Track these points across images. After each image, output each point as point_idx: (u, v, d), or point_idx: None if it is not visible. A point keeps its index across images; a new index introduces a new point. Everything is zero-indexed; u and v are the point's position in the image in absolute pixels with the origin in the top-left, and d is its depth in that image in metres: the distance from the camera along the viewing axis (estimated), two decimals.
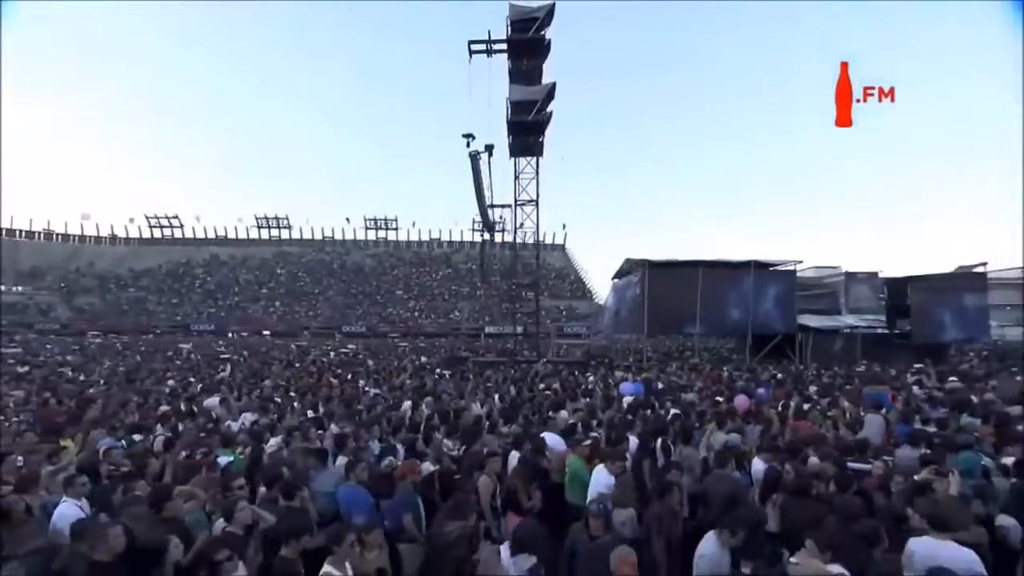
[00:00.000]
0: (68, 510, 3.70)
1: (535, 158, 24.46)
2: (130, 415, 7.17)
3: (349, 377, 13.52)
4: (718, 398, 8.83)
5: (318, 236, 72.04)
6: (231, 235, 70.86)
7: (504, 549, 3.34)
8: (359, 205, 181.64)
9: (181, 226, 70.77)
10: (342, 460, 5.00)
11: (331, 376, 13.58)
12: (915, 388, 10.62)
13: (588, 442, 5.68)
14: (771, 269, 20.28)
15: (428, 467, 4.88)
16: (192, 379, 13.33)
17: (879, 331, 21.17)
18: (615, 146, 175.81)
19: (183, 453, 4.87)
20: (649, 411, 8.05)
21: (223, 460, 4.70)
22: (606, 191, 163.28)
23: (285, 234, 71.55)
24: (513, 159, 24.91)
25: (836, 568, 2.83)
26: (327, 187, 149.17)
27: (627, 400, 9.11)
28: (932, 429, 6.26)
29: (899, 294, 21.49)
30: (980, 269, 20.95)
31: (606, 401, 9.18)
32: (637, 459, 5.57)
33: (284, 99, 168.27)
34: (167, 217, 70.45)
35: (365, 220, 72.32)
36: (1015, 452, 4.94)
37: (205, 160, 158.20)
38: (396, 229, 72.81)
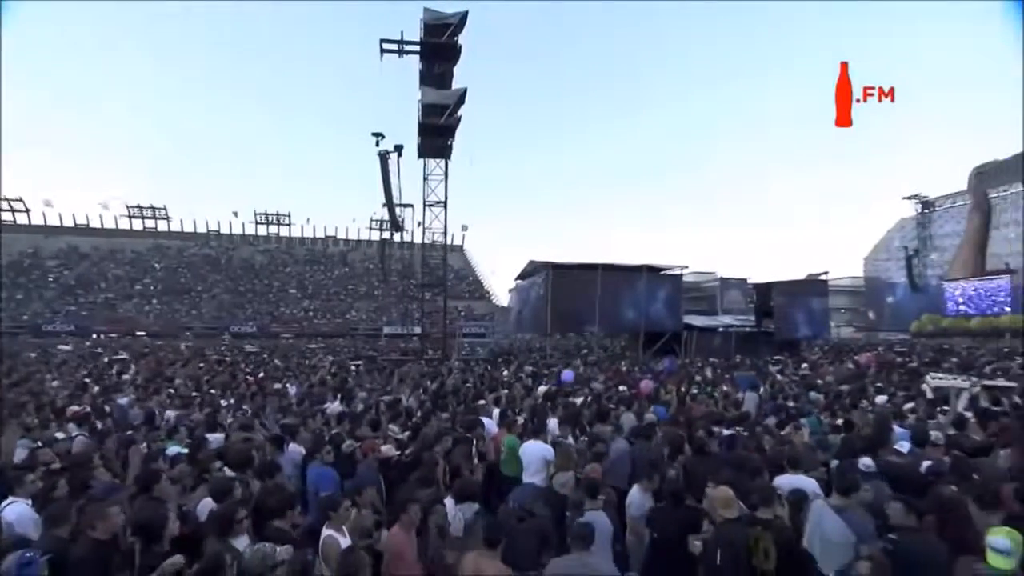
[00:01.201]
0: (20, 508, 3.75)
1: (444, 160, 24.96)
2: (28, 416, 6.67)
3: (262, 375, 13.22)
4: (622, 386, 10.09)
5: (201, 229, 66.06)
6: (94, 224, 62.46)
7: (449, 501, 4.04)
8: (248, 199, 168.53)
9: (27, 211, 60.68)
10: (294, 447, 5.42)
11: (246, 374, 13.28)
12: (778, 375, 12.81)
13: (520, 421, 6.55)
14: (661, 273, 22.53)
15: (387, 449, 5.33)
16: (87, 379, 12.34)
17: (749, 329, 24.31)
18: (513, 149, 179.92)
19: (143, 446, 4.91)
20: (567, 398, 9.12)
21: (172, 451, 4.78)
22: (502, 195, 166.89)
23: (163, 225, 64.39)
24: (422, 160, 25.22)
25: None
26: (213, 178, 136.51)
27: (541, 390, 10.13)
28: (791, 403, 8.10)
29: (765, 297, 24.79)
30: (823, 277, 25.00)
31: (525, 391, 10.04)
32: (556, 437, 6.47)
33: (171, 79, 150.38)
34: (7, 200, 59.03)
35: (255, 214, 67.47)
36: (843, 416, 6.75)
37: (60, 139, 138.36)
38: (289, 225, 68.78)
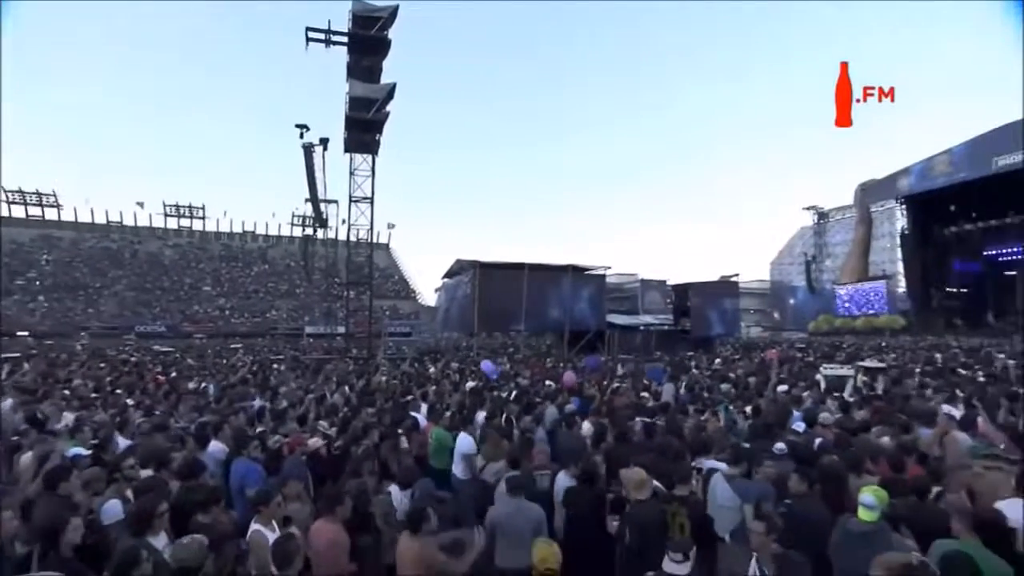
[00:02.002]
0: None
1: (371, 156, 24.41)
2: None
3: (174, 374, 12.35)
4: (547, 381, 10.40)
5: (100, 220, 59.85)
6: None
7: (394, 488, 4.07)
8: (157, 190, 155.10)
9: None
10: (216, 445, 5.25)
11: (155, 373, 12.33)
12: (693, 368, 13.65)
13: (449, 414, 6.67)
14: (585, 273, 23.27)
15: (315, 443, 5.21)
16: None
17: (668, 328, 25.54)
18: (443, 149, 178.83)
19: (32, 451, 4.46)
20: (494, 392, 9.32)
21: (72, 452, 4.40)
22: (431, 194, 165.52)
23: (52, 214, 57.57)
24: (349, 155, 24.52)
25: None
26: (114, 166, 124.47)
27: (469, 386, 10.26)
28: (705, 394, 8.65)
29: (682, 298, 26.19)
30: (735, 279, 26.90)
31: (452, 387, 10.08)
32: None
33: (67, 55, 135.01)
34: None
35: (165, 206, 62.14)
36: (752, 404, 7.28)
37: None
38: (203, 218, 64.00)
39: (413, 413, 7.30)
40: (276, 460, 4.87)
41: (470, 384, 10.50)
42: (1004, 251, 36.98)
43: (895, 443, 5.03)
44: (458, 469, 5.78)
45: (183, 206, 63.03)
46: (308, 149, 23.60)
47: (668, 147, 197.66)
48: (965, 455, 5.24)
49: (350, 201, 24.42)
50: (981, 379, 10.60)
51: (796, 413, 6.36)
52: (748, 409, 6.75)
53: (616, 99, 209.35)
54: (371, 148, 24.36)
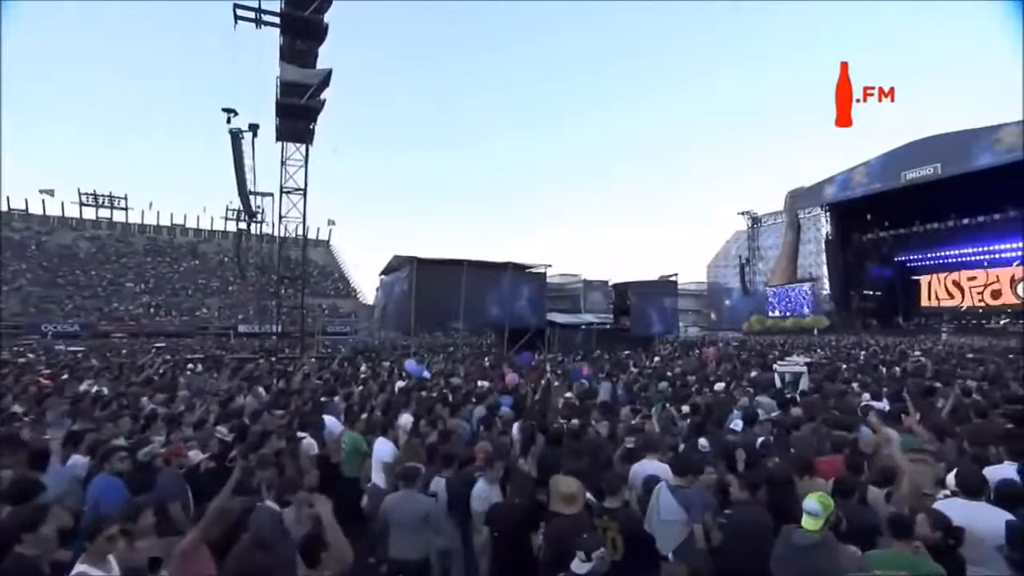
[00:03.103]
0: None
1: (305, 145, 23.10)
2: None
3: (65, 376, 10.94)
4: (480, 381, 9.91)
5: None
6: None
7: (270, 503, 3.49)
8: (70, 177, 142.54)
9: None
10: (77, 458, 4.45)
11: (37, 374, 10.87)
12: (632, 367, 13.53)
13: (365, 417, 6.08)
14: (526, 271, 22.95)
15: (195, 455, 4.46)
16: None
17: (608, 326, 25.60)
18: (384, 144, 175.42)
19: None
20: (423, 392, 8.69)
21: None
22: (372, 190, 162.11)
23: None
24: (281, 143, 23.09)
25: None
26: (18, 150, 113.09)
27: (399, 385, 9.65)
28: (643, 393, 8.37)
29: (622, 297, 26.29)
30: (673, 278, 27.39)
31: (380, 387, 9.41)
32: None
33: None
34: None
35: (80, 194, 56.20)
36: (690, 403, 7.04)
37: None
38: (126, 209, 58.54)
39: (328, 416, 6.68)
40: (146, 475, 4.07)
41: (399, 384, 9.85)
42: (912, 257, 40.01)
43: (831, 441, 4.86)
44: (378, 478, 5.18)
45: (101, 195, 57.40)
46: (236, 135, 21.95)
47: (615, 151, 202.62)
48: (896, 450, 5.23)
49: (281, 192, 22.97)
50: (899, 375, 11.07)
51: (735, 412, 6.18)
52: (685, 408, 6.49)
53: (565, 102, 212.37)
54: (305, 137, 23.02)
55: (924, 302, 38.61)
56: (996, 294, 35.51)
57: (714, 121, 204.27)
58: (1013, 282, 34.31)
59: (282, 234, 23.90)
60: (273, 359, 17.29)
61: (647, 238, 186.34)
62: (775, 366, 9.84)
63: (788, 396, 7.28)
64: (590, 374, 10.92)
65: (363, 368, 13.61)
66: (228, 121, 21.31)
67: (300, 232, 24.79)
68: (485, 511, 3.82)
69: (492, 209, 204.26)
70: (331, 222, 64.17)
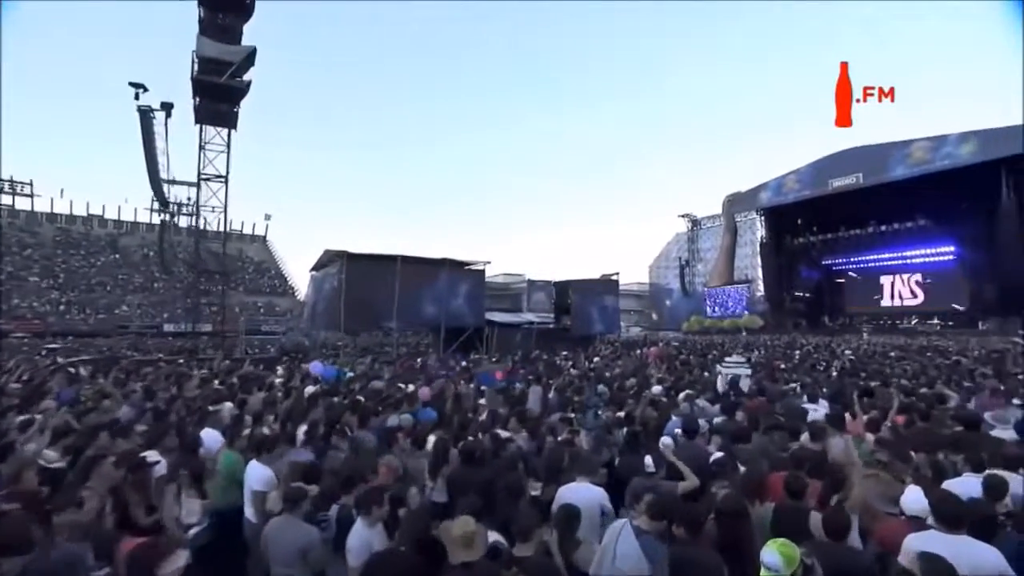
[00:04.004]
0: None
1: (228, 130, 21.26)
2: None
3: None
4: (401, 384, 8.93)
5: None
6: None
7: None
8: None
9: None
10: None
11: None
12: (571, 369, 12.90)
13: (248, 431, 5.00)
14: (464, 268, 22.06)
15: None
16: None
17: (549, 326, 25.05)
18: (329, 140, 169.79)
19: None
20: (335, 398, 7.71)
21: None
22: (315, 186, 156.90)
23: None
24: (200, 126, 21.14)
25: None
26: None
27: (309, 390, 8.52)
28: (576, 397, 7.64)
29: (563, 295, 25.85)
30: (615, 277, 27.22)
31: (286, 393, 8.28)
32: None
33: None
34: None
35: None
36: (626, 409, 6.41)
37: None
38: (31, 196, 52.68)
39: (210, 430, 5.53)
40: None
41: (311, 388, 8.73)
42: (837, 261, 42.13)
43: (789, 454, 4.30)
44: (250, 510, 4.19)
45: (2, 180, 51.56)
46: (146, 114, 19.83)
47: (563, 154, 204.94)
48: (850, 460, 4.76)
49: (199, 179, 21.04)
50: (835, 373, 11.02)
51: (674, 419, 5.58)
52: (622, 414, 5.83)
53: (513, 104, 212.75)
54: (227, 120, 21.19)
55: (862, 299, 40.61)
56: (905, 296, 38.33)
57: (660, 125, 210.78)
58: (918, 285, 37.38)
59: (203, 226, 21.88)
60: (181, 361, 15.53)
61: (593, 240, 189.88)
62: (719, 367, 9.43)
63: (732, 400, 6.78)
64: (510, 377, 10.09)
65: (279, 370, 12.36)
66: (136, 97, 19.20)
67: (223, 224, 22.88)
68: (361, 565, 2.89)
69: (439, 210, 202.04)
70: (268, 216, 61.05)
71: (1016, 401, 7.24)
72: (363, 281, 19.12)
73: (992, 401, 7.13)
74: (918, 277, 37.76)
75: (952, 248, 34.69)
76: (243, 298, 51.26)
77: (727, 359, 11.11)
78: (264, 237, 63.47)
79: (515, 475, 3.69)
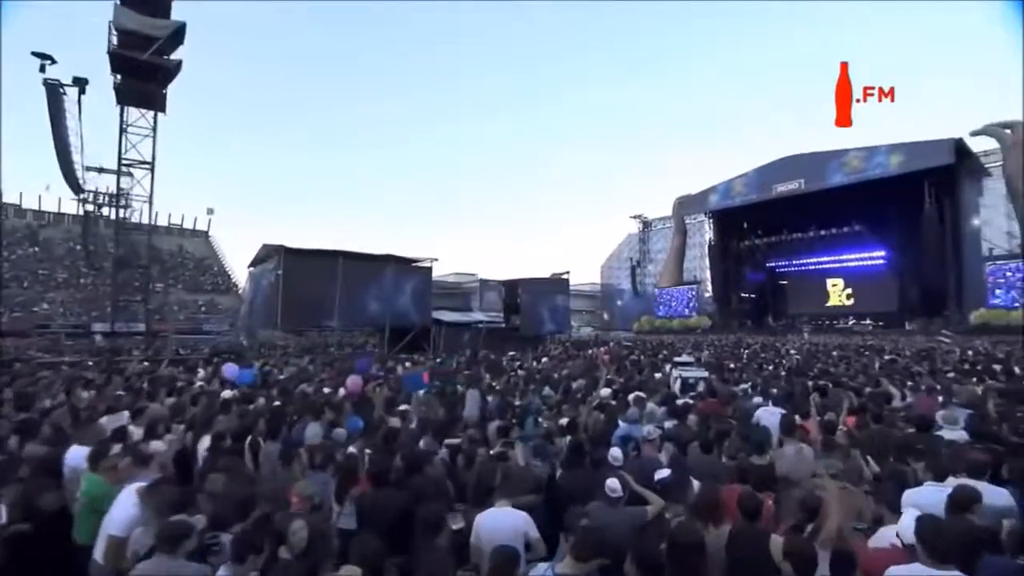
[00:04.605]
0: None
1: (153, 112, 19.61)
2: None
3: None
4: (327, 389, 8.15)
5: None
6: None
7: None
8: None
9: None
10: None
11: None
12: (519, 370, 12.36)
13: (118, 451, 4.12)
14: (411, 265, 21.24)
15: None
16: None
17: (498, 325, 24.48)
18: (280, 136, 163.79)
19: None
20: (250, 404, 6.94)
21: None
22: (264, 179, 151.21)
23: None
24: (121, 108, 19.38)
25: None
26: None
27: (227, 395, 7.63)
28: (517, 401, 7.06)
29: (512, 294, 25.35)
30: (565, 276, 26.94)
31: (192, 399, 7.35)
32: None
33: None
34: None
35: None
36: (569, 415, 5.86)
37: None
38: None
39: (77, 449, 4.59)
40: None
41: (228, 393, 7.81)
42: (781, 263, 43.67)
43: (737, 466, 3.88)
44: (98, 550, 3.38)
45: None
46: (54, 89, 17.89)
47: (520, 155, 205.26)
48: (807, 473, 4.41)
49: (120, 165, 19.26)
50: (783, 373, 10.96)
51: (622, 425, 5.10)
52: (564, 422, 5.29)
53: (471, 104, 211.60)
54: (153, 102, 19.52)
55: (802, 301, 42.15)
56: (843, 298, 40.23)
57: (613, 125, 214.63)
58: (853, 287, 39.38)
59: (133, 217, 20.11)
60: (90, 364, 13.99)
61: (548, 240, 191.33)
62: (676, 371, 9.04)
63: (682, 403, 6.39)
64: (444, 379, 9.43)
65: (201, 373, 11.25)
66: (42, 70, 17.25)
67: (149, 215, 21.13)
68: None
69: (394, 209, 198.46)
70: (211, 211, 57.69)
71: (954, 400, 7.25)
72: (302, 278, 18.10)
73: (929, 400, 7.04)
74: (854, 279, 39.68)
75: (883, 253, 36.50)
76: (183, 296, 48.37)
77: (677, 359, 10.86)
78: (207, 232, 60.15)
79: (433, 506, 3.05)
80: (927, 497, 3.57)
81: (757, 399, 6.95)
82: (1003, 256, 28.86)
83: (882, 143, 31.26)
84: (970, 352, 16.06)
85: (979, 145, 29.49)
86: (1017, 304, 26.98)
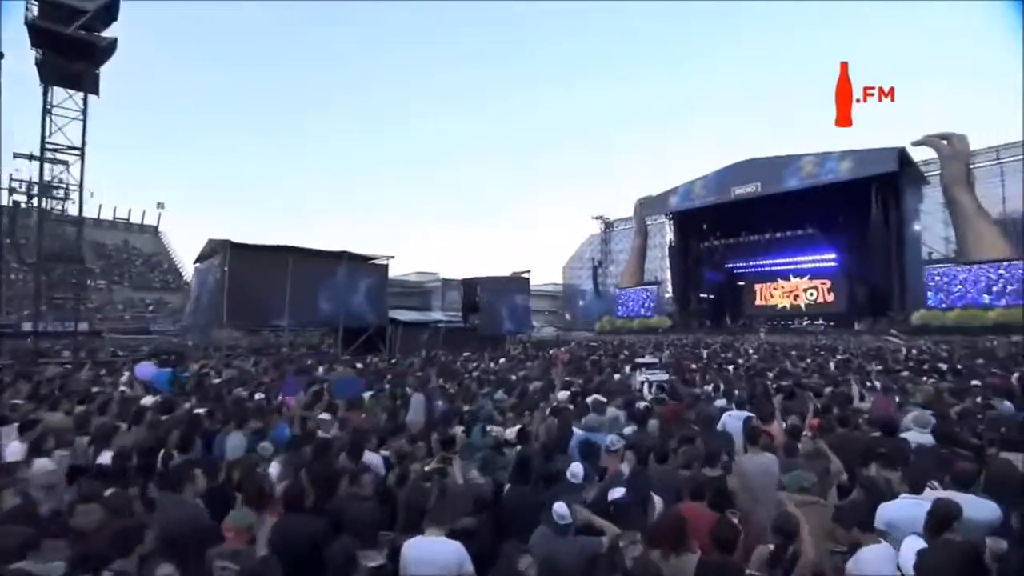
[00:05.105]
0: None
1: (83, 95, 18.13)
2: None
3: None
4: (258, 394, 7.43)
5: None
6: None
7: None
8: None
9: None
10: None
11: None
12: (474, 372, 11.82)
13: None
14: (366, 262, 20.43)
15: None
16: None
17: (457, 325, 23.88)
18: (235, 134, 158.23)
19: None
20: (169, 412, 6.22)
21: None
22: (219, 172, 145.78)
23: None
24: (45, 87, 17.82)
25: None
26: None
27: (147, 401, 6.84)
28: (466, 408, 6.48)
29: (471, 293, 24.84)
30: (526, 275, 26.58)
31: (100, 408, 6.54)
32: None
33: None
34: None
35: None
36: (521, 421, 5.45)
37: None
38: None
39: None
40: None
41: (149, 399, 7.01)
42: (738, 265, 44.64)
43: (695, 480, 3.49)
44: None
45: None
46: None
47: (487, 154, 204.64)
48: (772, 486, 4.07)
49: (42, 149, 17.69)
50: (744, 373, 10.83)
51: (577, 433, 4.68)
52: (512, 432, 4.82)
53: (435, 105, 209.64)
54: (82, 83, 18.02)
55: (759, 301, 43.16)
56: (797, 299, 41.46)
57: (576, 126, 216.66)
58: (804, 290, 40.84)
59: (40, 204, 18.50)
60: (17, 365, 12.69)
61: (512, 240, 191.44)
62: (640, 374, 8.68)
63: (643, 406, 6.03)
64: (402, 380, 8.83)
65: (126, 376, 10.27)
66: None
67: (79, 205, 19.59)
68: None
69: (358, 207, 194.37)
70: (160, 205, 54.81)
71: (912, 400, 7.19)
72: (250, 275, 17.12)
73: (886, 400, 6.92)
74: (804, 281, 41.00)
75: (834, 255, 37.72)
76: (129, 294, 45.77)
77: (640, 360, 10.56)
78: (156, 227, 57.21)
79: (342, 542, 2.52)
80: (903, 512, 3.26)
81: (720, 401, 6.69)
82: (940, 260, 30.44)
83: (833, 150, 32.28)
84: (914, 351, 16.51)
85: (920, 155, 31.06)
86: (944, 305, 28.48)
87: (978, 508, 3.19)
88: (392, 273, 22.98)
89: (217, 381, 9.61)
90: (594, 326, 45.60)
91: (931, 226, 32.00)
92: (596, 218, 51.40)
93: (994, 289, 27.35)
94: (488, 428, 4.85)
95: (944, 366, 11.78)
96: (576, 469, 3.42)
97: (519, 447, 4.38)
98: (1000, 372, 10.37)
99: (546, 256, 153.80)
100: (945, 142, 29.37)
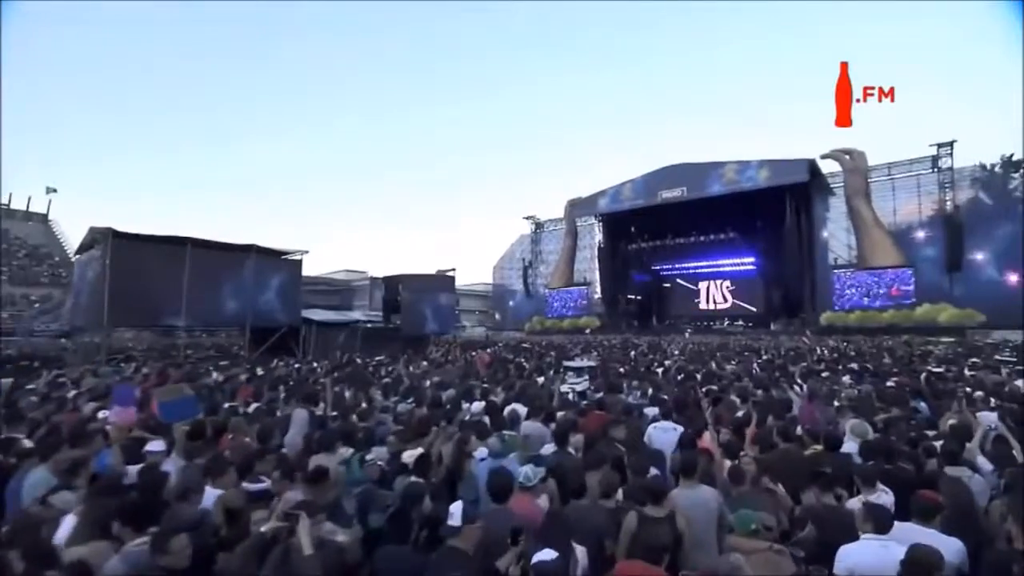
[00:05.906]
0: None
1: None
2: None
3: None
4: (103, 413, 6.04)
5: None
6: None
7: None
8: None
9: None
10: None
11: None
12: (386, 378, 10.74)
13: None
14: (277, 257, 18.68)
15: None
16: None
17: (377, 325, 22.50)
18: (166, 129, 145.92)
19: None
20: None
21: None
22: (126, 161, 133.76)
23: None
24: None
25: None
26: None
27: None
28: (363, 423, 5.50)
29: (392, 292, 23.61)
30: (451, 273, 25.55)
31: None
32: None
33: None
34: None
35: None
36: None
37: None
38: None
39: None
40: None
41: None
42: (664, 267, 45.93)
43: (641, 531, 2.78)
44: None
45: None
46: None
47: (420, 153, 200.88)
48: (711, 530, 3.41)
49: None
50: (673, 375, 10.50)
51: (480, 451, 3.88)
52: (411, 454, 3.92)
53: (373, 103, 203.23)
54: None
55: (703, 305, 44.47)
56: (718, 300, 43.22)
57: (508, 127, 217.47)
58: (727, 291, 42.71)
59: None
60: None
61: (444, 240, 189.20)
62: (561, 384, 7.92)
63: (563, 418, 5.30)
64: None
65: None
66: None
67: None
68: None
69: (285, 203, 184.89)
70: (52, 190, 48.64)
71: (836, 403, 6.99)
72: (137, 267, 15.04)
73: (811, 407, 6.62)
74: (727, 284, 42.87)
75: (753, 259, 39.55)
76: (9, 289, 40.37)
77: (568, 363, 9.93)
78: (45, 216, 50.94)
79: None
80: (869, 558, 2.71)
81: (650, 410, 6.13)
82: (844, 265, 32.79)
83: (752, 159, 33.77)
84: (825, 351, 17.10)
85: (827, 167, 33.27)
86: (848, 307, 30.76)
87: (946, 547, 2.68)
88: (317, 270, 21.49)
89: (70, 395, 7.99)
90: (524, 326, 45.30)
91: (836, 233, 34.43)
92: (527, 218, 51.15)
93: (884, 292, 29.81)
94: (369, 456, 3.88)
95: (855, 365, 12.07)
96: (455, 510, 2.62)
97: (412, 479, 3.49)
98: (906, 371, 10.73)
99: (477, 256, 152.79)
100: (848, 156, 31.76)
